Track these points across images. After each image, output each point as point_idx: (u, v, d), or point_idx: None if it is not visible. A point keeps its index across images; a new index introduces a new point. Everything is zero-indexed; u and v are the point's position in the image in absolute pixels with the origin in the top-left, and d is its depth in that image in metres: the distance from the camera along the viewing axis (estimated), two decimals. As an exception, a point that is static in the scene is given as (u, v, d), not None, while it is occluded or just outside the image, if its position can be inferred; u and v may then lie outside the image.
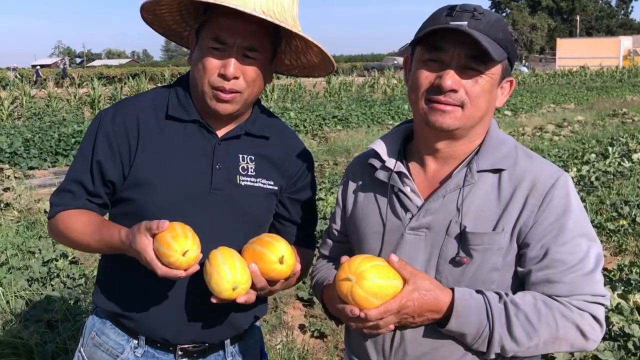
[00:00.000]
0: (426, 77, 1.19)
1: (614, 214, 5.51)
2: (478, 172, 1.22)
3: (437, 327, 1.18)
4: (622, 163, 7.66)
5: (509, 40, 1.20)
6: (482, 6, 1.23)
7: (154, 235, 1.21)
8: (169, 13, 1.41)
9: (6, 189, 6.61)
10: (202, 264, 1.30)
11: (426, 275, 1.18)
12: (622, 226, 5.12)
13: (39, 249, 4.46)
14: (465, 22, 1.15)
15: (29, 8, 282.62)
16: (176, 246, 1.19)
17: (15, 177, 7.48)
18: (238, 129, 1.43)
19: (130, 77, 25.69)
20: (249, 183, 1.42)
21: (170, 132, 1.39)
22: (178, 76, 1.48)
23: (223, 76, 1.31)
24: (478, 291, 1.17)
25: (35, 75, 35.67)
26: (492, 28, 1.16)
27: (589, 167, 7.34)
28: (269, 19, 1.26)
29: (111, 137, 1.37)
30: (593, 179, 6.76)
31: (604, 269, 4.06)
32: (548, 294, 1.15)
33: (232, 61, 1.31)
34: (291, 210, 1.51)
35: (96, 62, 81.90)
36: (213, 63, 1.32)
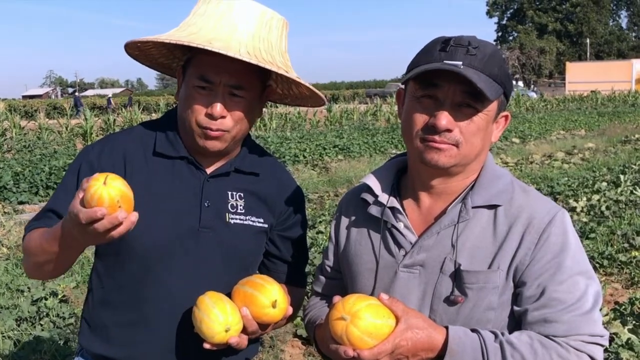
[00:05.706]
0: (420, 116, 1.18)
1: (626, 244, 5.37)
2: (473, 208, 1.20)
3: (432, 366, 1.15)
4: (634, 191, 7.51)
5: (505, 74, 1.19)
6: (478, 36, 1.19)
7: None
8: (155, 48, 1.41)
9: (-6, 225, 6.32)
10: (190, 310, 1.27)
11: (419, 312, 1.15)
12: (635, 258, 4.99)
13: (28, 287, 4.31)
14: (460, 62, 1.13)
15: (19, 37, 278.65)
16: (99, 175, 1.09)
17: (5, 213, 7.05)
18: (227, 165, 1.41)
19: (124, 107, 24.96)
20: (238, 221, 1.40)
21: (158, 169, 1.37)
22: (174, 105, 1.46)
23: (210, 115, 1.30)
24: (473, 330, 1.14)
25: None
26: (487, 63, 1.14)
27: (600, 196, 7.21)
28: (253, 61, 1.24)
29: (96, 170, 1.31)
30: (604, 208, 6.64)
31: (615, 303, 3.96)
32: (545, 334, 1.12)
33: (219, 102, 1.29)
34: (281, 248, 1.49)
35: (89, 92, 78.30)
36: (200, 103, 1.30)
